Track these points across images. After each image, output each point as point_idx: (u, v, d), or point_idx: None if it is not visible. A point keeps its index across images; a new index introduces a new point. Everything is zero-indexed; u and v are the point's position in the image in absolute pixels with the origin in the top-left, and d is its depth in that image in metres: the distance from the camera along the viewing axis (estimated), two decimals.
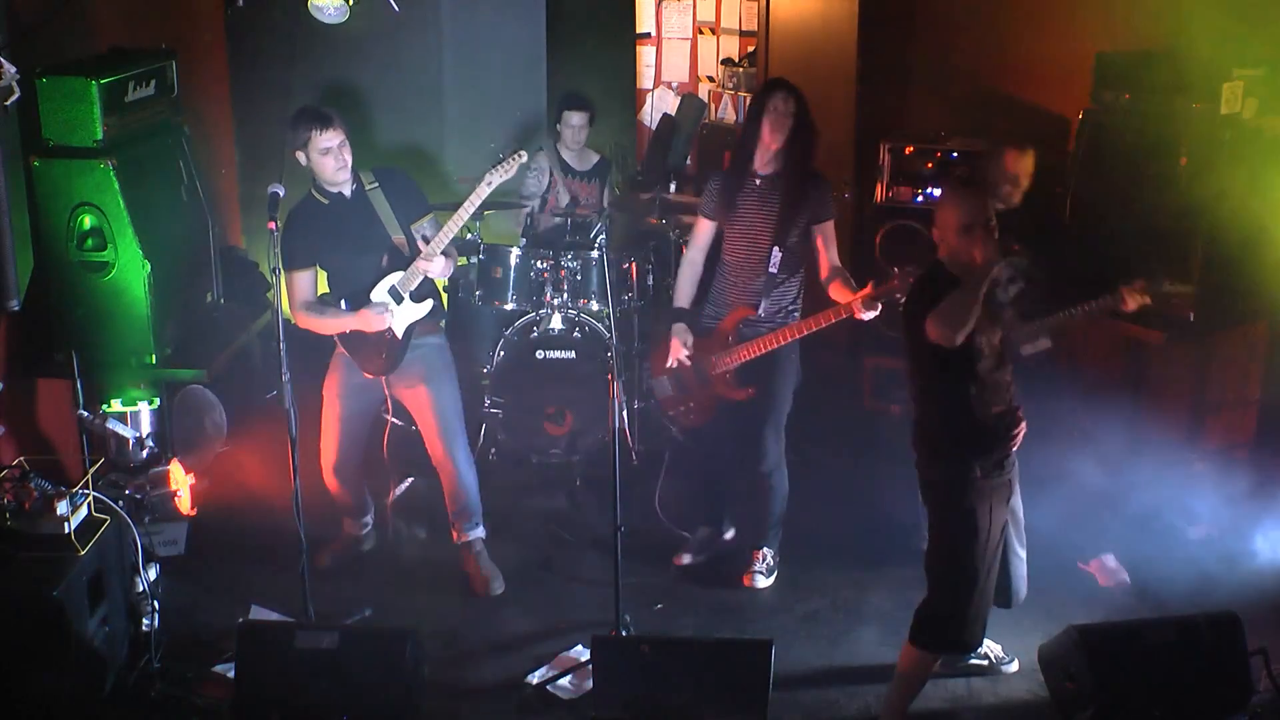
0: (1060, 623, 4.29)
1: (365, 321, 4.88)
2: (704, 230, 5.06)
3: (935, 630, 4.08)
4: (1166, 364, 5.91)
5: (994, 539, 3.98)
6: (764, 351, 4.90)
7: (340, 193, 4.88)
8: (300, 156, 4.82)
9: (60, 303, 5.15)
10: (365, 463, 5.25)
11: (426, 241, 4.86)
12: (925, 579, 4.10)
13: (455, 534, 5.19)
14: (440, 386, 5.06)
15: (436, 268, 4.86)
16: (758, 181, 4.92)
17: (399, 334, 4.93)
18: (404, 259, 4.89)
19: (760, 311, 4.95)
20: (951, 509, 3.97)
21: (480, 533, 5.20)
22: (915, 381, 4.06)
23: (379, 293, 4.90)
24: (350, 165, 4.84)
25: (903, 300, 4.21)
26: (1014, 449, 4.00)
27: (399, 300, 4.90)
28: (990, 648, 4.57)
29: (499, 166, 4.84)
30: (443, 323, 5.26)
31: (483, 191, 4.78)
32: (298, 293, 4.93)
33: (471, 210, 4.80)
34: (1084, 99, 5.86)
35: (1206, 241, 5.38)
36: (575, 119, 6.52)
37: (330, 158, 4.77)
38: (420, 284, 4.92)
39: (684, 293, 5.12)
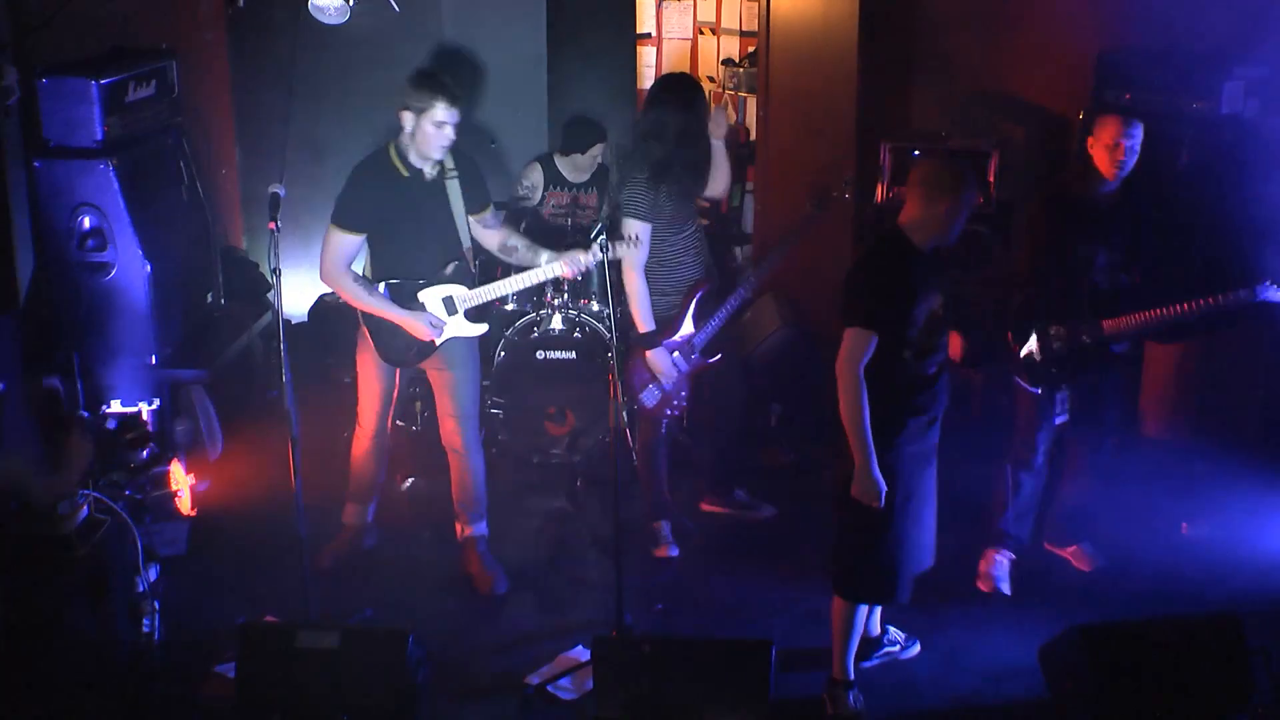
0: (1060, 623, 4.29)
1: (412, 328, 4.79)
2: (646, 234, 5.05)
3: (846, 580, 4.26)
4: (1166, 363, 5.91)
5: (906, 496, 4.14)
6: (739, 310, 5.31)
7: (422, 170, 4.74)
8: (405, 117, 4.65)
9: (61, 303, 5.15)
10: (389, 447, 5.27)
11: (488, 229, 4.92)
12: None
13: (459, 527, 5.16)
14: (466, 374, 5.00)
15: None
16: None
17: (438, 342, 4.88)
18: (469, 276, 4.85)
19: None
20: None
21: (483, 529, 5.17)
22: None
23: (432, 296, 4.81)
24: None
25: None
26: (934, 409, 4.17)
27: (452, 312, 4.83)
28: (894, 633, 4.63)
29: (584, 253, 4.81)
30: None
31: (537, 275, 4.90)
32: (338, 254, 4.74)
33: (530, 284, 4.99)
34: (1084, 99, 5.86)
35: (1207, 241, 5.38)
36: (600, 150, 6.51)
37: (442, 133, 4.63)
38: (481, 306, 4.87)
39: (649, 311, 5.07)
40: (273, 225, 4.40)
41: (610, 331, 4.64)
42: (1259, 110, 5.45)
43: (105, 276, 5.12)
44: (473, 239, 4.96)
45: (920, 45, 6.99)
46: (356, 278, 4.82)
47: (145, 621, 4.55)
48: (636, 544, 5.29)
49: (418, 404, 6.22)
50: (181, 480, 5.33)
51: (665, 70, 9.08)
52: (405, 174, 4.74)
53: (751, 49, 8.34)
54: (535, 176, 6.59)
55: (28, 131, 4.99)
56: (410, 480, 5.88)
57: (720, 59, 8.77)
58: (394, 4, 6.33)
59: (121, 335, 5.17)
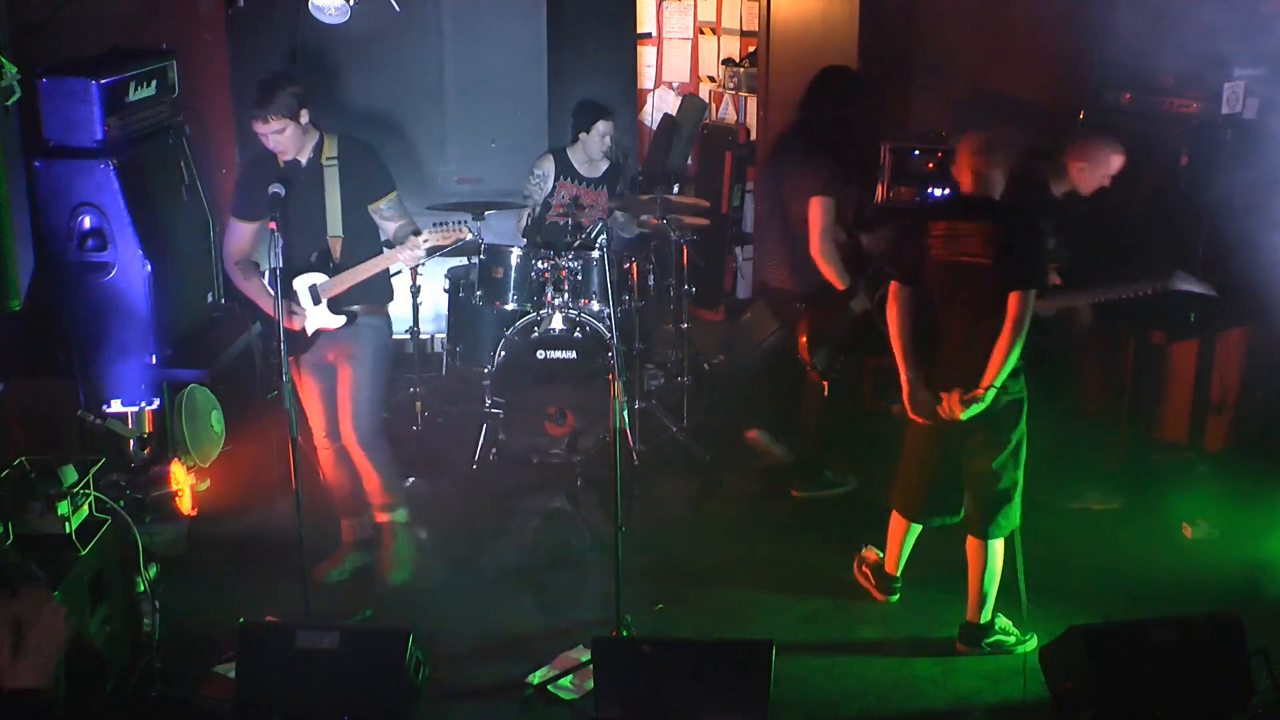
0: (1060, 623, 4.29)
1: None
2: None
3: (1004, 518, 4.58)
4: (1167, 364, 5.91)
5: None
6: None
7: (298, 159, 4.73)
8: None
9: (61, 303, 5.15)
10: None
11: (385, 220, 4.81)
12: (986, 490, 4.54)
13: (375, 515, 5.10)
14: (360, 366, 4.89)
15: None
16: None
17: (309, 332, 4.84)
18: (329, 263, 4.78)
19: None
20: (1019, 415, 4.51)
21: (402, 516, 5.10)
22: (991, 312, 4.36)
23: (301, 284, 4.78)
24: (294, 146, 4.68)
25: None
26: None
27: (316, 302, 4.79)
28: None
29: (434, 230, 4.71)
30: (389, 305, 5.09)
31: (407, 257, 4.75)
32: (231, 242, 4.89)
33: (389, 265, 4.78)
34: (1084, 99, 5.86)
35: (1207, 241, 5.38)
36: (604, 128, 6.50)
37: (264, 139, 4.67)
38: (345, 295, 4.78)
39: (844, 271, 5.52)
40: (272, 225, 4.40)
41: (611, 332, 4.64)
42: (1259, 110, 5.46)
43: (105, 276, 5.12)
44: (345, 227, 4.82)
45: (920, 45, 7.00)
46: (245, 265, 4.89)
47: (145, 621, 4.55)
48: (636, 544, 5.29)
49: (418, 404, 6.22)
50: (181, 480, 5.32)
51: (665, 70, 9.11)
52: (280, 164, 4.76)
53: (751, 49, 8.36)
54: (547, 166, 6.60)
55: (28, 131, 4.98)
56: (410, 480, 5.87)
57: (721, 59, 8.79)
58: (394, 4, 6.33)
59: (121, 335, 5.17)
